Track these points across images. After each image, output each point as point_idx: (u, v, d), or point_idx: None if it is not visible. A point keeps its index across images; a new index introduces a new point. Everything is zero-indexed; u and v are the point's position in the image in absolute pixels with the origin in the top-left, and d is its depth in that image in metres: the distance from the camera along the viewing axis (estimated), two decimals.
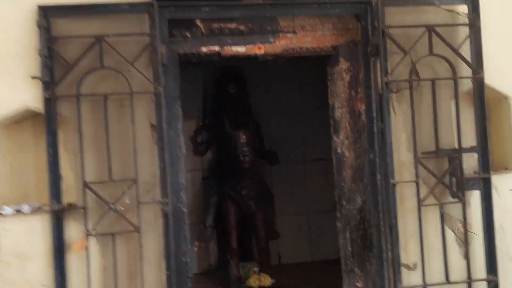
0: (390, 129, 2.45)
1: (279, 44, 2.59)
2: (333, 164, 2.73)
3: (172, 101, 2.41)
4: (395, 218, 2.46)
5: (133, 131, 2.29)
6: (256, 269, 3.79)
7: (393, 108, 2.50)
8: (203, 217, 3.99)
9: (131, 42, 2.32)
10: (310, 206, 4.46)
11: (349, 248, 2.72)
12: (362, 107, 2.61)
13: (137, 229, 2.24)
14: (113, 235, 2.25)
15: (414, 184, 2.45)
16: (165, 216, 2.26)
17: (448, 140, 2.55)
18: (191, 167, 4.39)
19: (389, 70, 2.44)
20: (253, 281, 3.58)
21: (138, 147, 2.29)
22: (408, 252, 2.54)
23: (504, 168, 2.74)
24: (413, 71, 2.46)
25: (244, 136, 3.56)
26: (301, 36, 2.60)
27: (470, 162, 2.55)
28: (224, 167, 3.82)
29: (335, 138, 2.75)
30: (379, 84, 2.47)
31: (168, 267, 2.25)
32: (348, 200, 2.70)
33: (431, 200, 2.47)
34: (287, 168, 4.46)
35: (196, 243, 3.85)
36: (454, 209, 2.50)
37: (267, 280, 3.59)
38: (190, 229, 2.48)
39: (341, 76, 2.69)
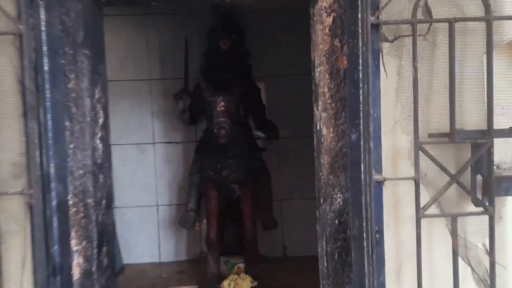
0: (378, 97, 1.61)
1: None
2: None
3: (58, 46, 1.69)
4: (380, 231, 1.65)
5: None
6: (241, 265, 3.11)
7: (384, 66, 1.64)
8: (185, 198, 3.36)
9: None
10: None
11: (325, 264, 1.94)
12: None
13: None
14: None
15: (413, 183, 1.61)
16: (30, 209, 1.59)
17: (473, 118, 1.65)
18: (184, 138, 3.76)
19: (380, 4, 1.58)
20: (227, 284, 2.89)
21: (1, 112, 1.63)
22: (402, 281, 1.73)
23: None
24: (421, 7, 1.58)
25: (222, 103, 2.81)
26: None
27: (506, 152, 1.65)
28: (205, 141, 3.11)
29: (315, 109, 1.95)
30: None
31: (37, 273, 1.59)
32: (324, 197, 1.91)
33: (439, 207, 1.62)
34: (293, 142, 3.70)
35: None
36: (475, 224, 1.64)
37: (245, 283, 2.88)
38: None
39: (320, 19, 1.85)
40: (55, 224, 1.58)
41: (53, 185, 1.57)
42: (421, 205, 1.61)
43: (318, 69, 1.87)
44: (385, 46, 1.65)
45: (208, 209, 3.08)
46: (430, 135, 1.64)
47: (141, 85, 3.71)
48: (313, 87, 1.94)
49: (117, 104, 3.67)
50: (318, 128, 1.91)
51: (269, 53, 3.69)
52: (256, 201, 3.18)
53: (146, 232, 3.76)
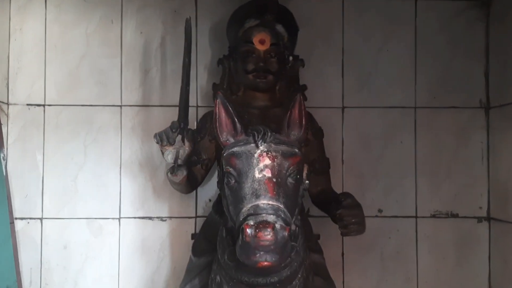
0: None
1: None
2: None
3: None
4: None
5: None
6: None
7: None
8: None
9: None
10: None
11: None
12: None
13: None
14: None
15: None
16: None
17: None
18: (171, 212, 2.09)
19: None
20: None
21: None
22: None
23: None
24: None
25: (268, 162, 1.17)
26: None
27: None
28: (224, 240, 1.41)
29: None
30: None
31: None
32: None
33: None
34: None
35: None
36: None
37: None
38: None
39: None
40: None
41: None
42: None
43: None
44: None
45: None
46: None
47: (105, 114, 2.08)
48: None
49: (57, 147, 2.05)
50: None
51: (331, 69, 2.11)
52: None
53: None
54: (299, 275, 1.29)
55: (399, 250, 2.12)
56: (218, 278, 1.34)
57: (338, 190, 1.88)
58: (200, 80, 2.08)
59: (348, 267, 2.13)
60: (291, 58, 1.81)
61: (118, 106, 2.08)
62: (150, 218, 2.09)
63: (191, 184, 1.67)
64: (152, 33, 2.10)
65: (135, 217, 2.08)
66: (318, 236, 1.91)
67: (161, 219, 2.09)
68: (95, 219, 2.07)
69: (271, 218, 1.09)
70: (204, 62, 2.09)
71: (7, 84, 2.06)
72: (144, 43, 2.10)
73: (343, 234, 1.55)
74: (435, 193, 2.12)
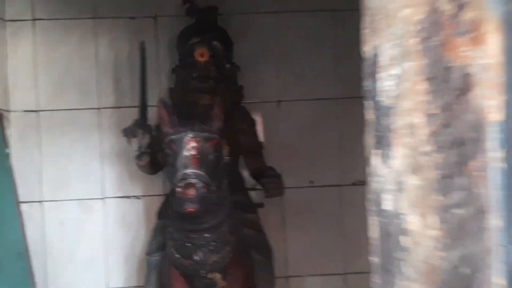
0: None
1: None
2: None
3: None
4: None
5: None
6: None
7: None
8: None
9: None
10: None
11: None
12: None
13: None
14: None
15: None
16: None
17: None
18: (146, 190, 2.63)
19: None
20: None
21: None
22: None
23: None
24: None
25: (193, 143, 1.71)
26: None
27: None
28: (169, 204, 1.97)
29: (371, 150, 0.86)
30: None
31: None
32: None
33: None
34: (303, 194, 2.61)
35: None
36: None
37: None
38: None
39: None
40: None
41: None
42: None
43: (392, 70, 0.79)
44: None
45: None
46: None
47: (86, 116, 2.61)
48: (372, 111, 0.86)
49: (50, 144, 2.58)
50: (402, 213, 0.81)
51: (266, 69, 2.63)
52: None
53: None
54: (226, 224, 1.83)
55: (329, 212, 2.66)
56: (170, 229, 1.88)
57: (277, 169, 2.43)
58: (160, 84, 2.59)
59: (289, 228, 2.67)
60: (228, 65, 2.33)
61: (96, 109, 2.61)
62: (128, 197, 2.62)
63: (154, 167, 2.21)
64: (122, 49, 2.61)
65: (116, 197, 2.62)
66: (261, 204, 2.45)
67: (137, 197, 2.62)
68: (84, 200, 2.61)
69: (194, 180, 1.63)
70: (164, 70, 2.60)
71: (8, 95, 2.58)
72: (115, 57, 2.61)
73: (266, 196, 2.10)
74: (355, 166, 2.64)
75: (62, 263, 2.58)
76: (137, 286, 2.58)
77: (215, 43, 2.25)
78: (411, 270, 0.73)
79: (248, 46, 2.58)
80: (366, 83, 0.88)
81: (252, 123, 2.34)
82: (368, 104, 0.89)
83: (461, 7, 0.69)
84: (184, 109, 2.19)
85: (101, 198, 2.61)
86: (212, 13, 2.29)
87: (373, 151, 0.86)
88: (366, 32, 0.86)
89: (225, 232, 1.83)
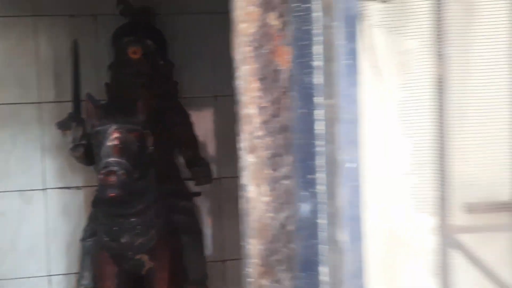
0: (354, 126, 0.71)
1: None
2: None
3: None
4: None
5: None
6: None
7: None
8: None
9: None
10: None
11: None
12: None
13: None
14: None
15: None
16: None
17: None
18: (86, 181, 2.75)
19: None
20: None
21: None
22: None
23: None
24: None
25: (116, 134, 1.86)
26: None
27: None
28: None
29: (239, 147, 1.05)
30: None
31: None
32: None
33: None
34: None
35: None
36: None
37: None
38: None
39: None
40: None
41: None
42: None
43: (241, 74, 0.97)
44: (373, 10, 0.75)
45: None
46: (470, 208, 0.74)
47: (27, 110, 2.71)
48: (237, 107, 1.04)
49: None
50: (244, 184, 0.99)
51: (204, 66, 2.79)
52: (178, 273, 2.20)
53: None
54: (152, 209, 1.99)
55: None
56: (100, 215, 2.02)
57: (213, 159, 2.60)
58: (100, 80, 2.70)
59: (225, 215, 2.84)
60: (162, 62, 2.47)
61: (38, 103, 2.71)
62: (68, 188, 2.73)
63: (90, 158, 2.34)
64: (62, 45, 2.71)
65: (57, 188, 2.73)
66: (198, 193, 2.61)
67: (77, 188, 2.74)
68: (25, 191, 2.71)
69: (114, 168, 1.78)
70: (103, 66, 2.72)
71: None
72: (55, 53, 2.71)
73: (195, 184, 2.27)
74: None
75: (4, 252, 2.67)
76: (78, 273, 2.71)
77: (148, 41, 2.39)
78: (249, 228, 0.92)
79: (185, 44, 2.74)
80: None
81: (187, 116, 2.50)
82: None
83: (285, 23, 0.88)
84: (119, 103, 2.32)
85: (42, 189, 2.72)
86: (146, 14, 2.43)
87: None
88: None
89: (151, 216, 1.99)
